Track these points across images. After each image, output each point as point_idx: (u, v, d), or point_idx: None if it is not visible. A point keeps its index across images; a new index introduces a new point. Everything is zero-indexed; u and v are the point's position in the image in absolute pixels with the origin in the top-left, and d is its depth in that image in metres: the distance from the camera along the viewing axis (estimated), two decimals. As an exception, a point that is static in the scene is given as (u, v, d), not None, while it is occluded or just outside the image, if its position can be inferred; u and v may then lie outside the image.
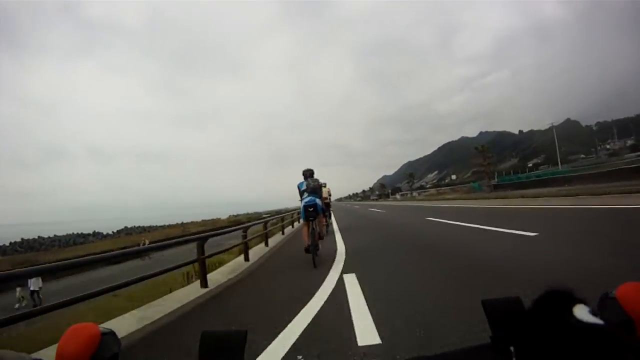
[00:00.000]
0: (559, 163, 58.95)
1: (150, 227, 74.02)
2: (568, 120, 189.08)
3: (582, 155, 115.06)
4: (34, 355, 0.31)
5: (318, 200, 5.78)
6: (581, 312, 0.30)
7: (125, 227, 68.98)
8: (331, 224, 12.01)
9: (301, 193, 5.96)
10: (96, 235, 60.07)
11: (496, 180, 46.36)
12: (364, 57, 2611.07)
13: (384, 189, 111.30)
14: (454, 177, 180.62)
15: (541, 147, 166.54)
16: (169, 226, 70.56)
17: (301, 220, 7.24)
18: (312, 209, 5.64)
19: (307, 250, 5.48)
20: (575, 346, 0.28)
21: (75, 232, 60.74)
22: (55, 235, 57.52)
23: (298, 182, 6.06)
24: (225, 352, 0.38)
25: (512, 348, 0.35)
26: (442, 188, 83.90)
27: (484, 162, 47.33)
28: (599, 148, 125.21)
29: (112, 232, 63.48)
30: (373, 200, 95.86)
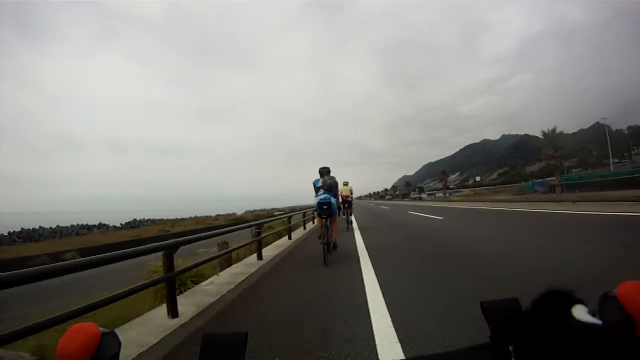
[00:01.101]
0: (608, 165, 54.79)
1: (160, 220, 73.00)
2: (597, 124, 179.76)
3: (616, 160, 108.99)
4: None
5: (333, 199, 5.70)
6: (580, 312, 0.31)
7: (134, 220, 67.49)
8: (352, 222, 11.76)
9: (316, 190, 5.93)
10: (101, 227, 58.46)
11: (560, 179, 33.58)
12: (386, 56, 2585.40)
13: (409, 187, 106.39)
14: (478, 178, 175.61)
15: (570, 150, 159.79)
16: (182, 219, 69.64)
17: (315, 220, 6.99)
18: (326, 206, 5.62)
19: (320, 237, 5.63)
20: (573, 346, 0.28)
21: (79, 224, 59.27)
22: (57, 225, 56.00)
23: (314, 179, 6.05)
24: (226, 354, 0.38)
25: (510, 348, 0.35)
26: (479, 188, 74.92)
27: (554, 152, 32.92)
28: (633, 152, 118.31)
29: (121, 224, 62.27)
30: (388, 199, 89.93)
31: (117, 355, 0.35)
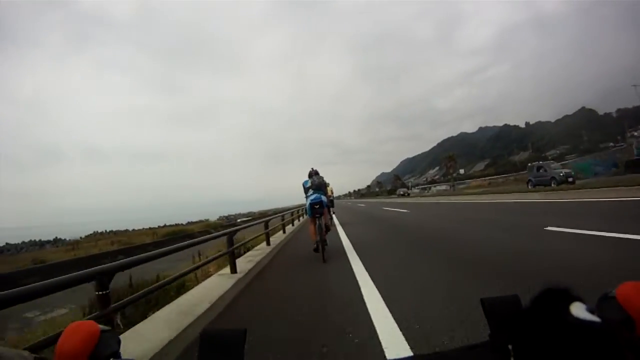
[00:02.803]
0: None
1: (125, 230, 69.34)
2: (583, 108, 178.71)
3: (611, 144, 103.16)
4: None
5: (323, 197, 5.91)
6: (578, 310, 0.31)
7: (95, 232, 65.23)
8: (333, 217, 12.58)
9: (306, 190, 6.13)
10: (57, 242, 52.53)
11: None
12: (361, 51, 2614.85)
13: (399, 180, 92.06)
14: (461, 171, 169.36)
15: (556, 137, 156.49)
16: (139, 230, 65.28)
17: (305, 217, 7.75)
18: (318, 205, 5.75)
19: (315, 250, 5.63)
20: (572, 344, 0.28)
21: (32, 240, 53.97)
22: (6, 243, 51.17)
23: (303, 181, 6.27)
24: (225, 351, 0.38)
25: (510, 346, 0.35)
26: (495, 177, 62.08)
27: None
28: (628, 135, 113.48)
29: (80, 237, 56.90)
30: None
31: (116, 352, 0.35)
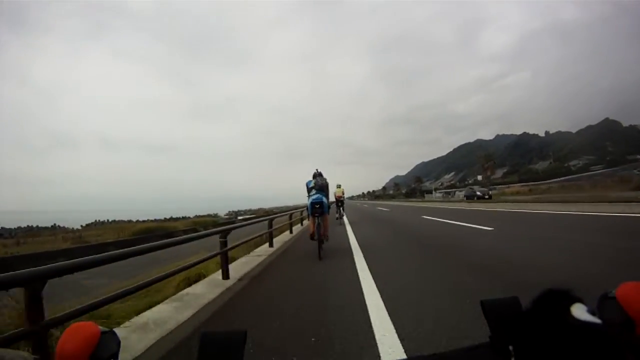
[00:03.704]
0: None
1: (129, 220, 66.21)
2: (607, 119, 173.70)
3: (638, 156, 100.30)
4: None
5: (324, 199, 6.10)
6: (579, 311, 0.31)
7: (96, 221, 64.87)
8: (343, 216, 13.64)
9: (309, 190, 6.29)
10: (55, 228, 50.75)
11: None
12: (379, 53, 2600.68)
13: (420, 182, 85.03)
14: (479, 177, 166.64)
15: (578, 147, 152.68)
16: (143, 222, 61.17)
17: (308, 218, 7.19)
18: (318, 205, 5.96)
19: (312, 237, 6.02)
20: (573, 345, 0.28)
21: (29, 225, 52.87)
22: (2, 227, 50.06)
23: (307, 181, 6.46)
24: (225, 352, 0.37)
25: (510, 347, 0.35)
26: (537, 183, 53.01)
27: None
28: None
29: (81, 225, 54.41)
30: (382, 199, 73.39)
31: (116, 354, 0.35)
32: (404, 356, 2.12)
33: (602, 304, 0.31)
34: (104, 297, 2.44)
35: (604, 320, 0.29)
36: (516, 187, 53.70)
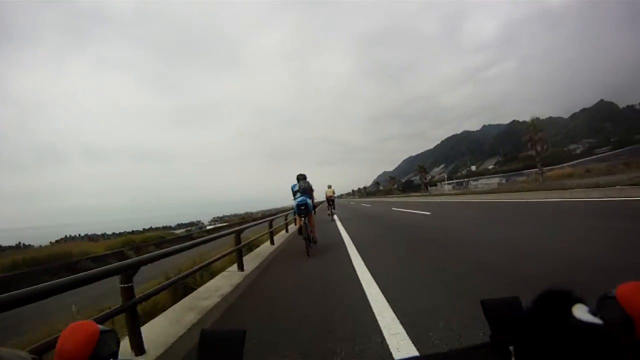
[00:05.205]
0: None
1: (102, 235, 66.17)
2: (602, 101, 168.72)
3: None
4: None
5: (309, 200, 6.54)
6: (580, 311, 0.30)
7: (66, 237, 61.91)
8: (334, 214, 14.99)
9: (294, 193, 6.72)
10: (19, 247, 42.77)
11: None
12: (365, 47, 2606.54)
13: (424, 171, 67.94)
14: (473, 167, 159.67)
15: (574, 131, 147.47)
16: (121, 234, 53.04)
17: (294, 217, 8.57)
18: (303, 207, 6.41)
19: (299, 232, 6.57)
20: (574, 345, 0.28)
21: None
22: None
23: (292, 185, 6.83)
24: (225, 352, 0.37)
25: (511, 348, 0.35)
26: (549, 168, 40.50)
27: None
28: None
29: (50, 242, 46.55)
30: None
31: (116, 353, 0.35)
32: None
33: (602, 304, 0.31)
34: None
35: (605, 321, 0.29)
36: (566, 168, 42.45)
